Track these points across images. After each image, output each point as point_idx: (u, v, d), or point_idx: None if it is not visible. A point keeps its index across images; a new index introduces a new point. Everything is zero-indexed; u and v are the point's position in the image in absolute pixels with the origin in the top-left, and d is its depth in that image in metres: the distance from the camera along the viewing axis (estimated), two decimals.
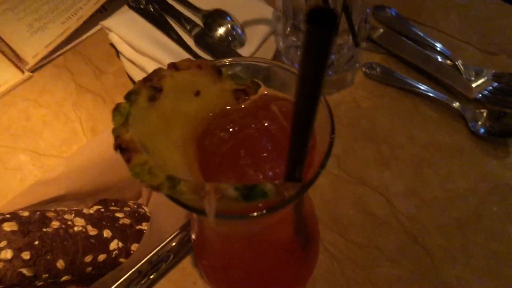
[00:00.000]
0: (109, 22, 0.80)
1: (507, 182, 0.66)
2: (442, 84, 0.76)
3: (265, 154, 0.34)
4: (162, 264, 0.59)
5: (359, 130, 0.73)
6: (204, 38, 0.79)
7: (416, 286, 0.59)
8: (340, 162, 0.69)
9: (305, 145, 0.28)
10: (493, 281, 0.58)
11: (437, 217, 0.64)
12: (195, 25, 0.80)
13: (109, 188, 0.62)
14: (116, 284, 0.55)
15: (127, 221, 0.58)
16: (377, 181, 0.67)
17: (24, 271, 0.47)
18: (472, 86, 0.73)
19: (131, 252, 0.57)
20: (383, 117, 0.74)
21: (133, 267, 0.55)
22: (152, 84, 0.32)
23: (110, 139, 0.29)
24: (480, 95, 0.72)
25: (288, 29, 0.73)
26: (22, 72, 0.83)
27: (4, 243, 0.48)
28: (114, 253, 0.55)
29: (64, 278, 0.51)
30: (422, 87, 0.74)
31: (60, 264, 0.50)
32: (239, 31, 0.79)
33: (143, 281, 0.58)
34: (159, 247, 0.57)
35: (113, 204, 0.61)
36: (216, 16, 0.80)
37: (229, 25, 0.80)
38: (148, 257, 0.56)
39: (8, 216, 0.51)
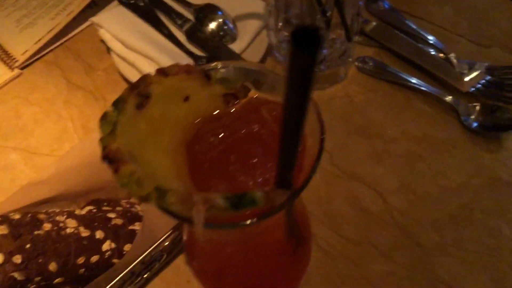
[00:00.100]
0: (99, 18, 0.79)
1: (499, 176, 0.66)
2: (435, 78, 0.75)
3: (255, 160, 0.34)
4: (156, 263, 0.59)
5: (352, 125, 0.72)
6: (195, 33, 0.78)
7: (410, 281, 0.59)
8: (333, 157, 0.69)
9: (294, 153, 0.28)
10: (485, 276, 0.59)
11: (430, 212, 0.64)
12: (186, 20, 0.80)
13: (101, 187, 0.62)
14: (110, 285, 0.54)
15: (119, 221, 0.58)
16: (370, 176, 0.67)
17: (15, 275, 0.47)
18: (464, 80, 0.73)
19: (124, 252, 0.57)
20: (376, 111, 0.73)
21: (126, 268, 0.55)
22: (140, 92, 0.31)
23: None
24: (473, 89, 0.72)
25: (280, 23, 0.73)
26: (12, 69, 0.82)
27: None
28: (107, 254, 0.55)
29: (57, 280, 0.51)
30: (415, 81, 0.74)
31: (53, 266, 0.50)
32: (231, 25, 0.79)
33: (136, 281, 0.58)
34: (152, 247, 0.57)
35: (105, 203, 0.61)
36: (207, 11, 0.80)
37: (220, 20, 0.79)
38: (141, 257, 0.56)
39: None
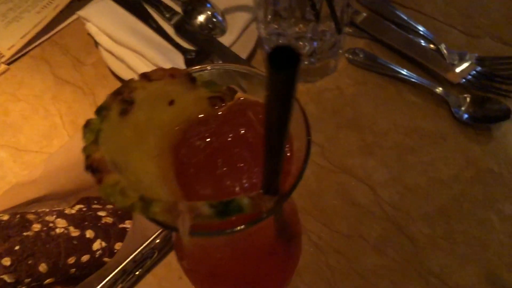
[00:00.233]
0: (86, 12, 0.78)
1: (490, 168, 0.66)
2: (425, 69, 0.75)
3: (242, 164, 0.34)
4: (147, 260, 0.59)
5: (343, 118, 0.72)
6: (184, 26, 0.77)
7: (400, 274, 0.60)
8: (324, 151, 0.69)
9: (279, 161, 0.27)
10: (476, 268, 0.59)
11: (420, 204, 0.64)
12: (174, 13, 0.79)
13: (91, 186, 0.61)
14: (102, 284, 0.54)
15: (109, 219, 0.57)
16: (360, 169, 0.67)
17: (5, 278, 0.47)
18: (455, 71, 0.73)
19: (115, 251, 0.57)
20: (367, 104, 0.73)
21: (118, 266, 0.55)
22: (123, 98, 0.31)
23: None
24: (464, 80, 0.72)
25: (269, 16, 0.72)
26: None
27: None
28: (97, 253, 0.55)
29: (48, 281, 0.51)
30: (405, 73, 0.73)
31: (43, 267, 0.50)
32: (220, 18, 0.78)
33: (128, 278, 0.59)
34: (143, 246, 0.57)
35: (95, 201, 0.61)
36: (196, 4, 0.79)
37: (209, 12, 0.78)
38: (132, 255, 0.56)
39: None
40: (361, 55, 0.77)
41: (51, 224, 0.53)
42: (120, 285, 0.57)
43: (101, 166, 0.28)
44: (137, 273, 0.59)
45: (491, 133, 0.69)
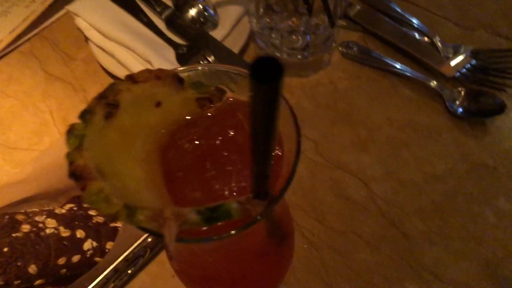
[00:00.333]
0: (75, 7, 0.77)
1: (484, 162, 0.66)
2: (420, 63, 0.74)
3: (231, 166, 0.33)
4: (140, 259, 0.59)
5: (337, 113, 0.71)
6: (175, 20, 0.76)
7: (394, 270, 0.59)
8: (317, 146, 0.68)
9: (266, 165, 0.27)
10: (470, 262, 0.59)
11: (414, 200, 0.64)
12: (165, 7, 0.77)
13: None
14: (93, 283, 0.54)
15: (100, 219, 0.57)
16: (354, 165, 0.67)
17: None
18: (450, 64, 0.72)
19: (106, 250, 0.56)
20: (361, 98, 0.72)
21: (109, 266, 0.55)
22: (108, 101, 0.30)
23: None
24: (458, 74, 0.71)
25: (261, 9, 0.71)
26: None
27: None
28: (88, 253, 0.54)
29: (38, 282, 0.51)
30: (399, 67, 0.73)
31: (32, 269, 0.49)
32: (212, 12, 0.76)
33: (121, 276, 0.58)
34: (135, 245, 0.56)
35: None
36: None
37: (201, 6, 0.77)
38: (124, 255, 0.56)
39: None
40: (355, 49, 0.76)
41: (40, 225, 0.52)
42: (112, 284, 0.57)
43: (85, 173, 0.27)
44: (129, 271, 0.59)
45: (485, 127, 0.68)
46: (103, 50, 0.74)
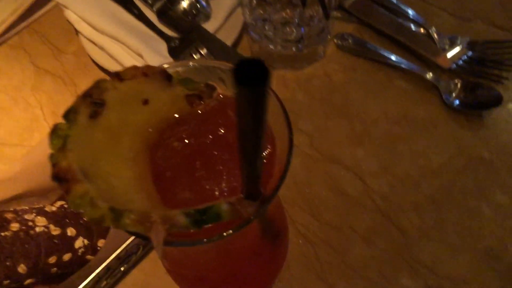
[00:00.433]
0: None
1: (480, 155, 0.65)
2: (416, 54, 0.73)
3: (222, 166, 0.32)
4: (132, 256, 0.58)
5: (332, 106, 0.70)
6: (167, 12, 0.75)
7: (390, 265, 0.59)
8: (312, 140, 0.68)
9: (256, 167, 0.26)
10: (466, 257, 0.58)
11: (410, 194, 0.63)
12: None
13: None
14: (85, 282, 0.53)
15: None
16: (350, 159, 0.66)
17: None
18: (446, 56, 0.71)
19: (98, 248, 0.55)
20: (356, 91, 0.71)
21: (101, 264, 0.54)
22: (93, 100, 0.29)
23: None
24: (455, 65, 0.70)
25: (254, 1, 0.69)
26: None
27: None
28: (80, 251, 0.54)
29: (28, 281, 0.50)
30: (395, 59, 0.71)
31: (22, 268, 0.48)
32: (204, 3, 0.75)
33: (113, 274, 0.57)
34: (127, 242, 0.55)
35: None
36: None
37: None
38: (116, 252, 0.55)
39: None
40: (350, 40, 0.75)
41: (30, 223, 0.51)
42: (104, 282, 0.56)
43: (69, 175, 0.26)
44: (122, 269, 0.58)
45: (482, 120, 0.67)
46: (94, 43, 0.73)
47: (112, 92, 0.30)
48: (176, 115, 0.34)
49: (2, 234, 0.49)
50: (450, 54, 0.71)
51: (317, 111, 0.70)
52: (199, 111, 0.34)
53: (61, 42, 0.80)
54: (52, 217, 0.53)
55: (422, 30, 0.75)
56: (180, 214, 0.26)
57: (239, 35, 0.75)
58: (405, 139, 0.67)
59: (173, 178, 0.33)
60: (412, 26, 0.75)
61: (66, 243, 0.53)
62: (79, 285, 0.53)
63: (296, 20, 0.69)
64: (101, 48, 0.72)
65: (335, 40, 0.76)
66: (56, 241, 0.52)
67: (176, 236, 0.28)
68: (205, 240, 0.28)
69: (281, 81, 0.73)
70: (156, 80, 0.32)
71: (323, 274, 0.59)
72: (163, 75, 0.32)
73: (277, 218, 0.44)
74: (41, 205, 0.56)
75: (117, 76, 0.30)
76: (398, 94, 0.71)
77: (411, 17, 0.76)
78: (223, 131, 0.33)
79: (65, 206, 0.57)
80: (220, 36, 0.73)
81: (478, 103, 0.67)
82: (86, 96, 0.29)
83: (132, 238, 0.56)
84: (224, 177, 0.32)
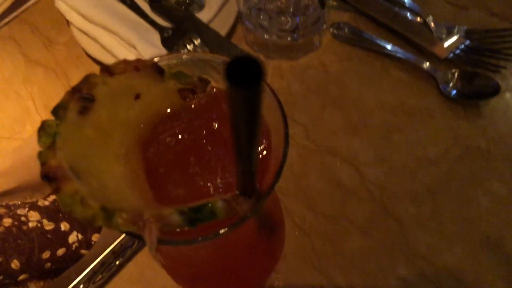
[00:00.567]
0: None
1: (477, 145, 0.65)
2: (412, 44, 0.72)
3: (216, 162, 0.32)
4: (127, 250, 0.58)
5: (328, 97, 0.70)
6: (160, 1, 0.73)
7: (387, 256, 0.59)
8: (308, 131, 0.67)
9: (251, 163, 0.25)
10: (463, 247, 0.58)
11: (407, 185, 0.63)
12: None
13: None
14: (80, 277, 0.53)
15: None
16: (346, 150, 0.65)
17: None
18: (443, 45, 0.70)
19: (93, 243, 0.55)
20: (352, 81, 0.71)
21: (96, 259, 0.53)
22: (82, 95, 0.28)
23: None
24: (452, 55, 0.70)
25: None
26: None
27: None
28: (74, 245, 0.53)
29: (21, 277, 0.49)
30: (391, 48, 0.71)
31: (15, 264, 0.48)
32: None
33: (108, 268, 0.57)
34: (122, 236, 0.55)
35: None
36: None
37: None
38: (111, 247, 0.54)
39: None
40: (346, 30, 0.74)
41: (23, 218, 0.51)
42: (100, 276, 0.56)
43: (59, 174, 0.26)
44: (117, 262, 0.57)
45: (479, 110, 0.67)
46: (86, 34, 0.72)
47: (102, 87, 0.29)
48: (169, 110, 0.33)
49: None
50: (447, 43, 0.70)
51: (312, 102, 0.69)
52: (192, 106, 0.33)
53: (53, 33, 0.78)
54: (45, 212, 0.53)
55: (418, 19, 0.74)
56: (173, 213, 0.26)
57: (234, 25, 0.74)
58: (402, 129, 0.66)
59: (166, 175, 0.32)
60: (409, 15, 0.74)
61: (60, 238, 0.52)
62: (74, 280, 0.53)
63: (291, 9, 0.68)
64: (93, 39, 0.71)
65: (331, 30, 0.75)
66: (49, 236, 0.51)
67: (170, 235, 0.28)
68: (200, 238, 0.27)
69: (276, 72, 0.72)
70: (147, 74, 0.31)
71: (320, 265, 0.58)
72: (155, 69, 0.31)
73: (273, 212, 0.43)
74: (34, 200, 0.55)
75: (107, 70, 0.29)
76: (395, 84, 0.70)
77: (407, 5, 0.75)
78: (217, 126, 0.33)
79: None
80: (214, 26, 0.72)
81: (475, 93, 0.66)
82: (75, 91, 0.28)
83: None
84: (219, 173, 0.31)
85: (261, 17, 0.70)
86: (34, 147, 0.56)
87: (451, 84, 0.67)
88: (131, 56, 0.67)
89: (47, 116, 0.70)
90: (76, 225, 0.54)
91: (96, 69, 0.29)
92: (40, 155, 0.26)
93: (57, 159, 0.26)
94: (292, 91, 0.70)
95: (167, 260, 0.40)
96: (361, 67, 0.72)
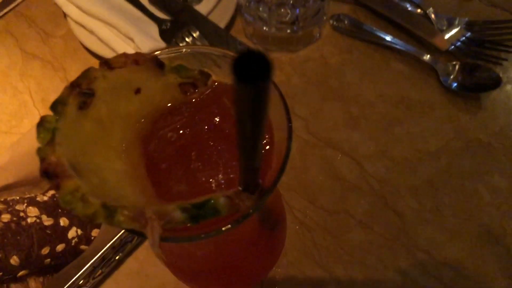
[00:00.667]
0: None
1: (478, 137, 0.64)
2: (413, 36, 0.72)
3: (218, 157, 0.31)
4: (127, 245, 0.57)
5: (328, 89, 0.69)
6: None
7: (388, 250, 0.58)
8: (308, 125, 0.66)
9: (255, 160, 0.24)
10: (463, 240, 0.58)
11: (408, 178, 0.62)
12: None
13: None
14: (80, 272, 0.52)
15: None
16: (346, 143, 0.65)
17: None
18: (444, 37, 0.70)
19: (92, 238, 0.54)
20: (352, 74, 0.70)
21: (96, 254, 0.53)
22: (81, 90, 0.27)
23: None
24: (453, 47, 0.69)
25: None
26: None
27: None
28: (73, 241, 0.53)
29: (21, 273, 0.49)
30: (392, 40, 0.70)
31: (14, 260, 0.47)
32: None
33: (108, 263, 0.56)
34: (122, 231, 0.54)
35: None
36: None
37: None
38: (111, 242, 0.54)
39: None
40: (346, 22, 0.73)
41: (22, 214, 0.50)
42: (100, 271, 0.55)
43: (58, 170, 0.25)
44: (117, 257, 0.57)
45: (480, 102, 0.67)
46: (83, 26, 0.71)
47: (102, 81, 0.29)
48: (170, 105, 0.33)
49: None
50: (448, 35, 0.70)
51: (312, 95, 0.69)
52: (193, 100, 0.33)
53: (49, 26, 0.77)
54: (44, 207, 0.52)
55: (419, 10, 0.73)
56: (176, 209, 0.25)
57: (233, 17, 0.73)
58: (402, 122, 0.66)
59: (167, 170, 0.31)
60: (409, 7, 0.74)
61: (59, 233, 0.51)
62: (74, 275, 0.52)
63: (290, 1, 0.67)
64: (91, 31, 0.70)
65: (330, 22, 0.74)
66: (48, 231, 0.51)
67: (172, 232, 0.27)
68: (202, 235, 0.27)
69: (276, 64, 0.71)
70: (147, 68, 0.30)
71: (320, 259, 0.58)
72: (155, 63, 0.30)
73: (275, 207, 0.43)
74: (33, 195, 0.55)
75: (106, 64, 0.29)
76: (395, 76, 0.70)
77: None
78: (218, 120, 0.32)
79: (57, 195, 0.55)
80: (213, 18, 0.71)
81: (476, 85, 0.66)
82: (74, 86, 0.27)
83: None
84: (221, 168, 0.31)
85: (261, 9, 0.69)
86: (32, 142, 0.55)
87: (451, 76, 0.67)
88: (128, 48, 0.67)
89: (45, 110, 0.70)
90: (75, 220, 0.53)
91: (93, 62, 0.29)
92: (39, 151, 0.26)
93: (56, 155, 0.25)
94: (291, 84, 0.70)
95: (169, 257, 0.40)
96: (361, 59, 0.71)
